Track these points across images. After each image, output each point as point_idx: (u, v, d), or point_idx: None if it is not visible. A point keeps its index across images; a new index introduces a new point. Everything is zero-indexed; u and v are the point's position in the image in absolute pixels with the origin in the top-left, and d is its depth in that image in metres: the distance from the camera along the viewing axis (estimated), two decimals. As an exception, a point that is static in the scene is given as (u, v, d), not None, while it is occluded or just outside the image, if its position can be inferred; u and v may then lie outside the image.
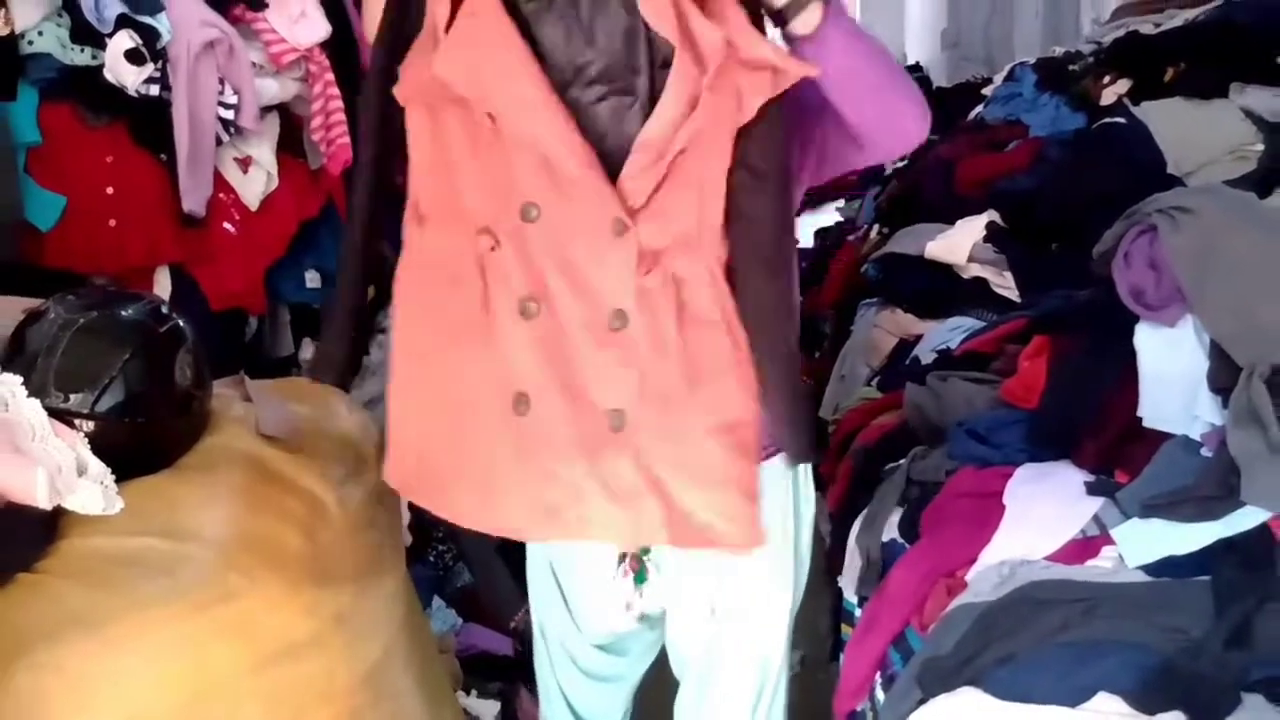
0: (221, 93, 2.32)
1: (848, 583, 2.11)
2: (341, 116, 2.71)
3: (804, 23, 1.33)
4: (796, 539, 1.69)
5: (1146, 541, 1.64)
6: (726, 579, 1.67)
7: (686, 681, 1.76)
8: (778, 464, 1.62)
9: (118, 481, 1.29)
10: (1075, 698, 1.38)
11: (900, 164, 4.25)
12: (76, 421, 1.33)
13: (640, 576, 1.65)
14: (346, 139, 2.72)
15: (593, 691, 1.84)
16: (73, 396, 1.34)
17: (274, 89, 2.53)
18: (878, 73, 1.42)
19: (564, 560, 1.72)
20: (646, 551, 1.64)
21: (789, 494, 1.66)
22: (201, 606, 1.24)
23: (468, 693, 2.23)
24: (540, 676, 1.87)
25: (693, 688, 1.76)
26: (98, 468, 1.27)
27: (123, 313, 1.42)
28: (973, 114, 3.90)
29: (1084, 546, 1.70)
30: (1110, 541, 1.68)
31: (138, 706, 1.20)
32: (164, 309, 1.48)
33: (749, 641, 1.71)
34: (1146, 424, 1.80)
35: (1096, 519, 1.71)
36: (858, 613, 2.03)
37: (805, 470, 1.70)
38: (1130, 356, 1.86)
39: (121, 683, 1.19)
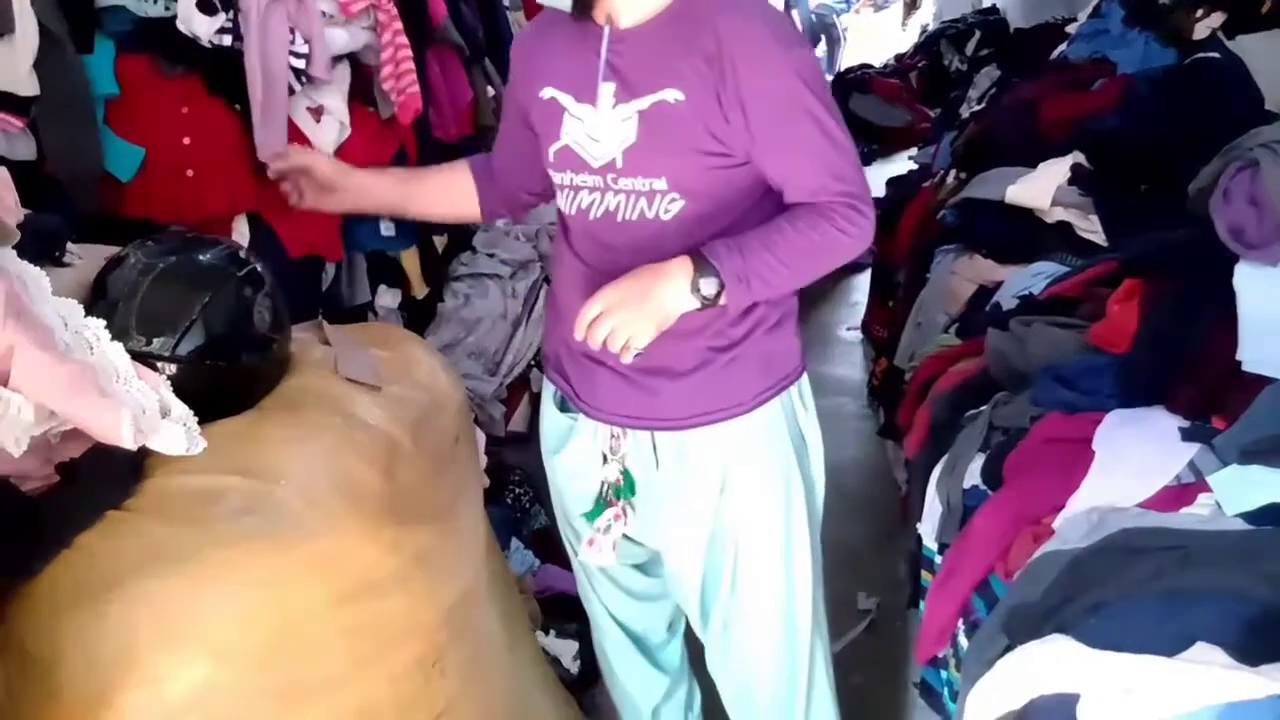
0: (292, 42, 2.32)
1: (927, 529, 2.07)
2: (411, 66, 2.70)
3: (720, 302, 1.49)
4: (799, 463, 1.73)
5: (1245, 489, 1.57)
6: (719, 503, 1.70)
7: (710, 634, 1.79)
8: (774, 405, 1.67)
9: (200, 423, 1.30)
10: (1172, 647, 1.33)
11: (978, 107, 4.14)
12: (159, 364, 1.34)
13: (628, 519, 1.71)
14: (416, 88, 2.71)
15: (637, 608, 1.91)
16: (154, 340, 1.35)
17: (343, 38, 2.53)
18: (806, 270, 1.55)
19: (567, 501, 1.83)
20: (630, 493, 1.70)
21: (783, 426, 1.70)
22: (283, 545, 1.26)
23: (546, 632, 2.25)
24: (587, 606, 1.95)
25: (717, 637, 1.79)
26: (181, 410, 1.28)
27: (201, 257, 1.44)
28: (1056, 52, 3.77)
29: (1179, 494, 1.64)
30: (1206, 489, 1.62)
31: (223, 640, 1.22)
32: (242, 254, 1.48)
33: (756, 566, 1.73)
34: (1246, 368, 1.73)
35: (1192, 465, 1.65)
36: (938, 559, 1.99)
37: (801, 401, 1.73)
38: (1228, 298, 1.78)
39: (208, 617, 1.21)
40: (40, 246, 1.46)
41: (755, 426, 1.66)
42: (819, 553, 1.81)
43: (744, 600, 1.75)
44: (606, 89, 1.54)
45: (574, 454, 1.74)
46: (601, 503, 1.70)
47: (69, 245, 1.55)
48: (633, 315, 1.45)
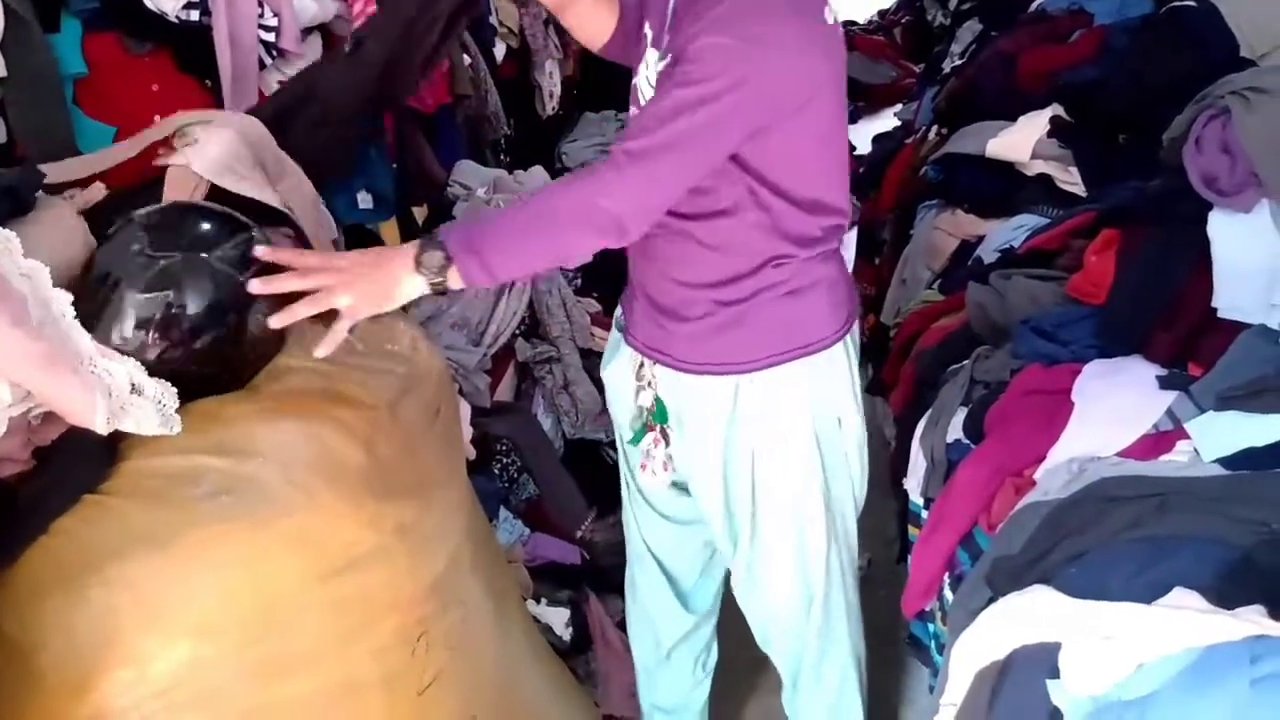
0: (261, 15, 2.29)
1: (913, 484, 2.09)
2: (384, 36, 2.66)
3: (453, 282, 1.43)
4: (817, 432, 1.71)
5: (1223, 434, 1.59)
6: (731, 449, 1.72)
7: (735, 571, 1.86)
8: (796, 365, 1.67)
9: (184, 402, 1.29)
10: (1150, 594, 1.35)
11: (960, 62, 4.12)
12: (148, 349, 1.32)
13: (666, 440, 1.79)
14: (390, 59, 2.68)
15: (671, 535, 1.96)
16: (139, 324, 1.33)
17: (313, 9, 2.49)
18: (543, 231, 1.46)
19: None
20: (663, 419, 1.76)
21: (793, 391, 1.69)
22: (262, 522, 1.26)
23: (537, 601, 2.27)
24: (626, 532, 2.03)
25: (741, 576, 1.84)
26: (154, 388, 1.27)
27: (186, 238, 1.40)
28: (1034, 5, 3.75)
29: (1157, 441, 1.65)
30: (1184, 435, 1.63)
31: (204, 619, 1.23)
32: (235, 226, 1.44)
33: (771, 526, 1.76)
34: (1221, 314, 1.74)
35: (1170, 413, 1.66)
36: (924, 514, 2.01)
37: (830, 370, 1.71)
38: (1203, 246, 1.79)
39: (188, 597, 1.22)
40: (6, 205, 1.42)
41: (769, 387, 1.67)
42: (844, 525, 1.82)
43: (761, 554, 1.79)
44: (654, 52, 1.58)
45: (615, 371, 1.85)
46: (642, 428, 1.80)
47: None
48: (349, 282, 1.39)
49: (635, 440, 1.82)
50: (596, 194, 1.43)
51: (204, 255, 1.37)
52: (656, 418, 1.77)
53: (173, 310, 1.34)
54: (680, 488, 1.87)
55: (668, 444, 1.78)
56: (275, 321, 1.38)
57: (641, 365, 1.76)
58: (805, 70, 1.49)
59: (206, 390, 1.36)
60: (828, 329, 1.69)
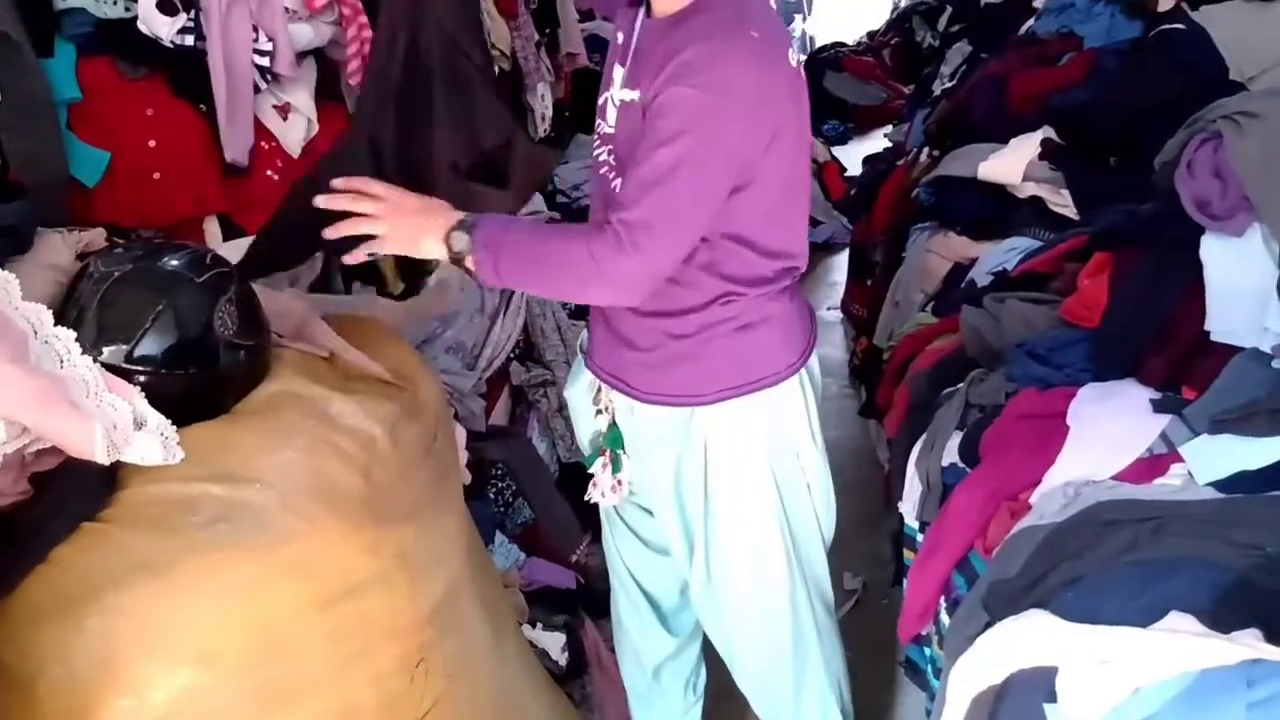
0: (256, 40, 2.29)
1: (908, 508, 2.09)
2: (378, 60, 2.67)
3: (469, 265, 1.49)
4: (771, 465, 1.72)
5: (1216, 457, 1.59)
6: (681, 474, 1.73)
7: (694, 601, 1.86)
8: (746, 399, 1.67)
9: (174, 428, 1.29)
10: (1146, 617, 1.34)
11: (950, 84, 4.15)
12: (136, 375, 1.33)
13: (616, 466, 1.80)
14: (384, 82, 2.69)
15: (650, 561, 1.95)
16: (107, 349, 1.33)
17: (308, 34, 2.50)
18: (547, 271, 1.51)
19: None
20: (615, 444, 1.78)
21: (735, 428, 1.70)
22: (261, 549, 1.26)
23: (533, 626, 2.26)
24: (607, 555, 2.03)
25: (700, 604, 1.85)
26: (156, 420, 1.27)
27: (159, 264, 1.42)
28: (1024, 28, 3.78)
29: (1151, 465, 1.66)
30: (1179, 459, 1.64)
31: (204, 646, 1.23)
32: (209, 258, 1.46)
33: (724, 557, 1.76)
34: (1214, 338, 1.74)
35: (1164, 436, 1.67)
36: (919, 538, 2.01)
37: (785, 403, 1.71)
38: (1196, 269, 1.79)
39: (187, 624, 1.22)
40: (6, 244, 1.43)
41: (721, 419, 1.67)
42: (808, 557, 1.82)
43: (719, 585, 1.79)
44: (619, 73, 1.61)
45: (576, 392, 1.87)
46: (595, 451, 1.81)
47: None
48: (391, 217, 1.49)
49: (589, 460, 1.83)
50: (604, 264, 1.46)
51: (158, 263, 1.42)
52: (607, 442, 1.78)
53: (127, 317, 1.37)
54: (648, 512, 1.87)
55: (616, 470, 1.79)
56: (330, 233, 1.48)
57: (599, 391, 1.78)
58: (769, 116, 1.51)
59: (186, 409, 1.36)
60: (780, 364, 1.69)
